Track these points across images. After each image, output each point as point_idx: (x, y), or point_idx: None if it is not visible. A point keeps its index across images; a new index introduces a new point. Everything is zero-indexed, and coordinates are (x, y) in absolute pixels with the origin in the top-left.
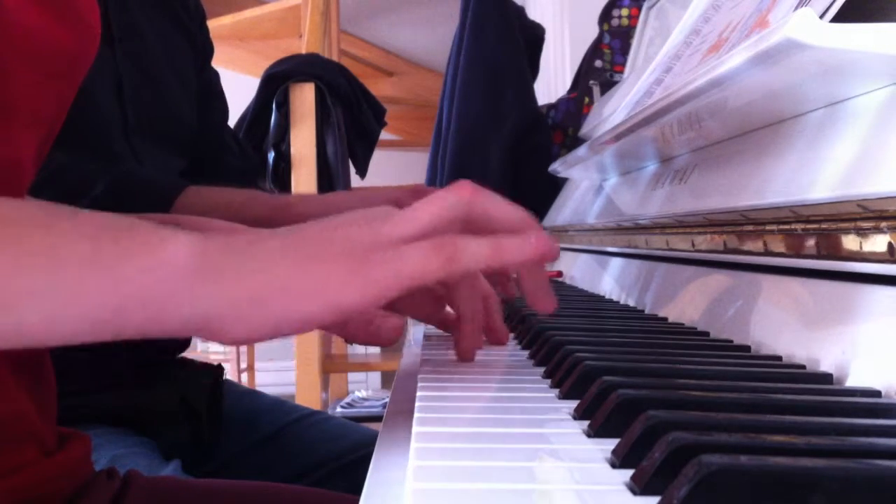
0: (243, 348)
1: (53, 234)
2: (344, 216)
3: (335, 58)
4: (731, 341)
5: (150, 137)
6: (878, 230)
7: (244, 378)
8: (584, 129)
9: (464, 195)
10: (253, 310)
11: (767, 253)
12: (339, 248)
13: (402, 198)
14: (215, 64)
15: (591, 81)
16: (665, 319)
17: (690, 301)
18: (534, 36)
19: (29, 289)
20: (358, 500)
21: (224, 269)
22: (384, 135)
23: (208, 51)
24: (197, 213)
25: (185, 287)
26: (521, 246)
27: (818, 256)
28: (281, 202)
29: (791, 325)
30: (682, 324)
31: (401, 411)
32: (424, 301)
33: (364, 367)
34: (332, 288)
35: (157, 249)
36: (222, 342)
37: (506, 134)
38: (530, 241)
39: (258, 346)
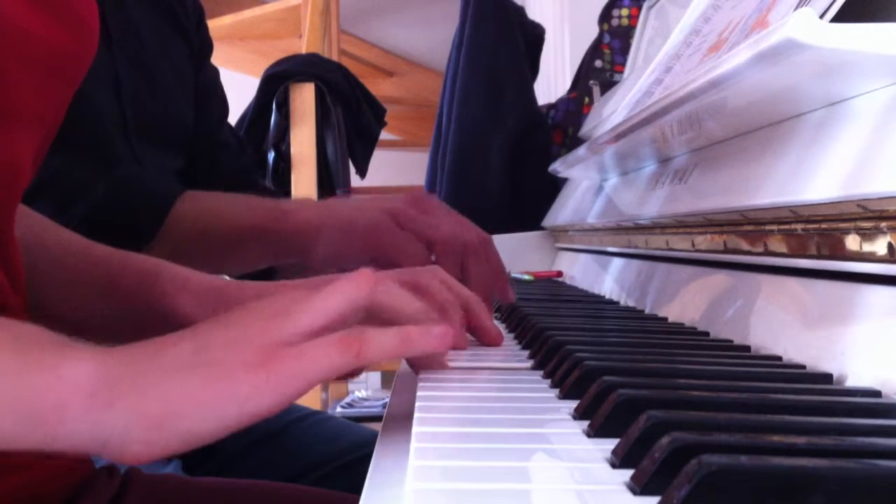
0: None
1: None
2: (247, 312)
3: (335, 58)
4: (731, 341)
5: (150, 137)
6: (878, 230)
7: None
8: (584, 129)
9: (363, 288)
10: (159, 428)
11: (767, 253)
12: (242, 353)
13: (398, 208)
14: (215, 64)
15: (591, 81)
16: (665, 319)
17: (690, 301)
18: (534, 36)
19: None
20: (358, 500)
21: (126, 390)
22: (384, 135)
23: (206, 48)
24: (192, 221)
25: (83, 408)
26: (426, 337)
27: (818, 256)
28: (279, 208)
29: (791, 325)
30: (682, 324)
31: (401, 411)
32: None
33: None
34: (237, 399)
35: (56, 368)
36: (128, 461)
37: (506, 134)
38: (434, 332)
39: None
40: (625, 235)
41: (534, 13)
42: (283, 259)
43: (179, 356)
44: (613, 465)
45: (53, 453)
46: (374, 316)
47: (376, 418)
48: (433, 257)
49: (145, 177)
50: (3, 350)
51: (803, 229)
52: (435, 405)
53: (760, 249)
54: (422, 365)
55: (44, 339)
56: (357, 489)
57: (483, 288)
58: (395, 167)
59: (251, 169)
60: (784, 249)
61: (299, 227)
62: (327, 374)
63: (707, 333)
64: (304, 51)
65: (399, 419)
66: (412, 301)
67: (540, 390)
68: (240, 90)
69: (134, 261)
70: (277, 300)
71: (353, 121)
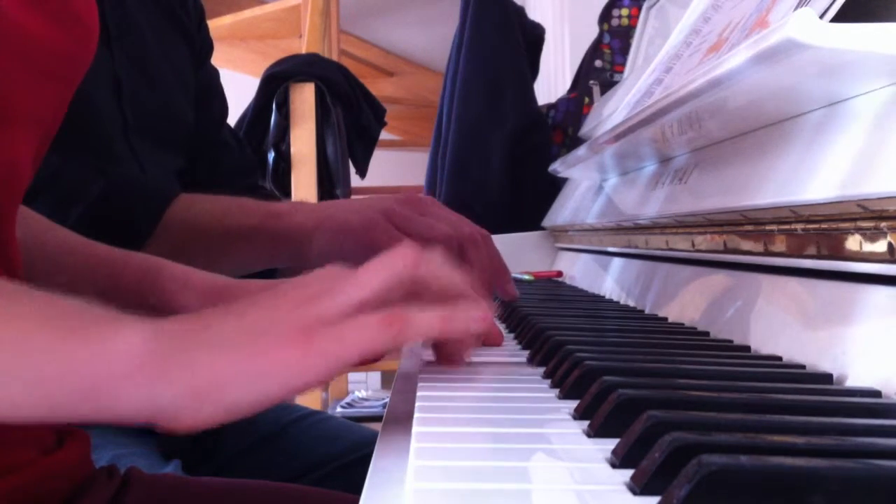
0: None
1: (11, 318)
2: (291, 289)
3: (335, 58)
4: (731, 341)
5: (150, 137)
6: (878, 230)
7: None
8: (584, 129)
9: (409, 262)
10: (206, 399)
11: (767, 253)
12: (287, 328)
13: (393, 208)
14: (215, 64)
15: (591, 81)
16: (665, 319)
17: (690, 301)
18: (534, 36)
19: None
20: (358, 500)
21: (176, 359)
22: (384, 135)
23: (207, 49)
24: (188, 222)
25: (138, 376)
26: (467, 318)
27: (818, 256)
28: (273, 210)
29: (791, 325)
30: (682, 324)
31: (401, 411)
32: None
33: (364, 367)
34: (282, 371)
35: (106, 341)
36: (177, 430)
37: (506, 134)
38: (478, 313)
39: None
40: (625, 235)
41: (534, 13)
42: (278, 261)
43: (224, 331)
44: (613, 465)
45: (105, 423)
46: (415, 292)
47: (376, 418)
48: None
49: (142, 175)
50: (53, 324)
51: (803, 229)
52: (435, 405)
53: (760, 249)
54: (446, 356)
55: (91, 313)
56: (357, 489)
57: (485, 281)
58: (395, 167)
59: (252, 169)
60: (784, 249)
61: (294, 229)
62: (367, 352)
63: (707, 333)
64: (304, 51)
65: (399, 419)
66: (455, 275)
67: (540, 390)
68: (240, 90)
69: (135, 260)
70: (323, 277)
71: (353, 121)
